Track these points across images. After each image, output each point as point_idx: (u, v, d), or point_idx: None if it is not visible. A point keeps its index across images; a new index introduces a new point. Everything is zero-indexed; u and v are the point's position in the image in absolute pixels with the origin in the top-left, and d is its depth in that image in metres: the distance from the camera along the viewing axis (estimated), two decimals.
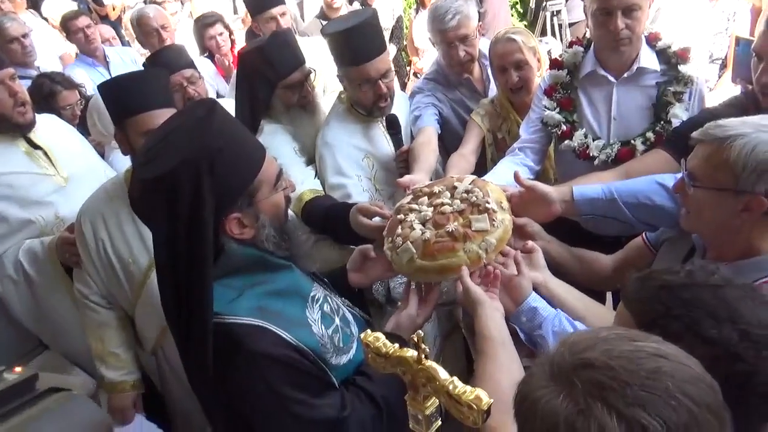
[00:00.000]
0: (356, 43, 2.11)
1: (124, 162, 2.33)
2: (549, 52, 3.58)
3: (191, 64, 2.75)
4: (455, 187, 1.64)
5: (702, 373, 0.75)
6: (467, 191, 1.60)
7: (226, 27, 3.89)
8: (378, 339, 1.00)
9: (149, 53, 4.22)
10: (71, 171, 2.39)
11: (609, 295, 2.36)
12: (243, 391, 1.25)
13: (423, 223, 1.55)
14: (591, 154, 2.12)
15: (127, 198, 1.99)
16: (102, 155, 2.96)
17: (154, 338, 2.10)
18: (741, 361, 0.93)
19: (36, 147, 2.35)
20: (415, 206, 1.63)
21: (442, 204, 1.58)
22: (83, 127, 3.22)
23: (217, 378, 1.24)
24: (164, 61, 2.66)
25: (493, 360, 1.26)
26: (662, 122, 2.04)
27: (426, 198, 1.64)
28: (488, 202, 1.55)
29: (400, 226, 1.57)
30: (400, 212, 1.63)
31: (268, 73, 2.27)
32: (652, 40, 2.11)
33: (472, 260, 1.46)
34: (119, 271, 2.02)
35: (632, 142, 2.07)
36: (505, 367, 1.25)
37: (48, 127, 2.47)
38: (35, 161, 2.33)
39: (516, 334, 1.47)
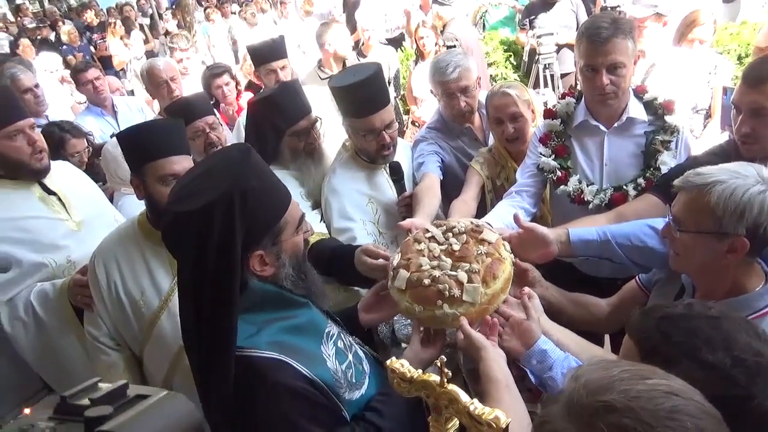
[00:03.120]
0: (362, 96, 2.22)
1: (134, 207, 2.41)
2: (545, 103, 3.75)
3: (212, 112, 2.86)
4: (432, 237, 1.67)
5: (707, 404, 0.81)
6: (448, 230, 1.67)
7: (233, 77, 4.07)
8: (403, 365, 1.11)
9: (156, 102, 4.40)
10: (83, 216, 2.45)
11: (607, 338, 2.41)
12: (261, 422, 1.28)
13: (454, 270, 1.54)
14: (585, 199, 2.21)
15: (139, 241, 2.05)
16: (110, 200, 3.05)
17: (161, 379, 2.12)
18: (735, 385, 1.00)
19: (50, 192, 2.42)
20: (428, 267, 1.56)
21: (447, 248, 1.61)
22: (91, 174, 3.32)
23: (235, 410, 1.28)
24: (188, 107, 2.78)
25: (499, 402, 1.29)
26: (652, 169, 2.14)
27: (425, 259, 1.59)
28: (472, 222, 1.69)
29: (440, 285, 1.50)
30: (422, 279, 1.53)
31: (277, 121, 2.38)
32: (639, 93, 2.24)
33: (510, 262, 1.62)
34: (129, 312, 2.05)
35: (624, 187, 2.17)
36: (511, 410, 1.26)
37: (61, 173, 2.55)
38: (49, 206, 2.39)
39: (523, 378, 1.52)
